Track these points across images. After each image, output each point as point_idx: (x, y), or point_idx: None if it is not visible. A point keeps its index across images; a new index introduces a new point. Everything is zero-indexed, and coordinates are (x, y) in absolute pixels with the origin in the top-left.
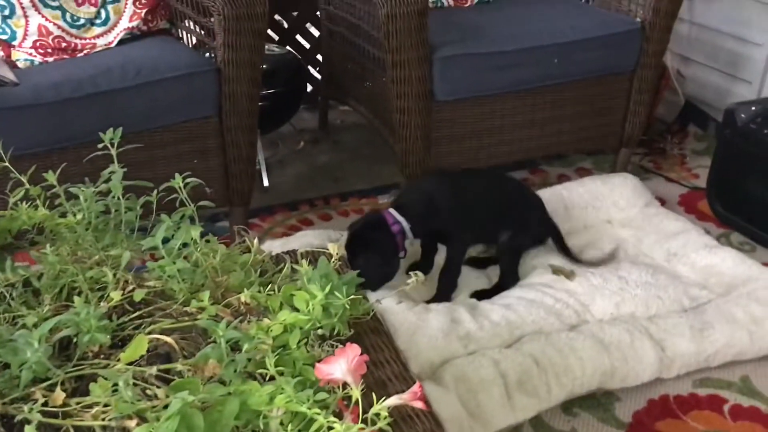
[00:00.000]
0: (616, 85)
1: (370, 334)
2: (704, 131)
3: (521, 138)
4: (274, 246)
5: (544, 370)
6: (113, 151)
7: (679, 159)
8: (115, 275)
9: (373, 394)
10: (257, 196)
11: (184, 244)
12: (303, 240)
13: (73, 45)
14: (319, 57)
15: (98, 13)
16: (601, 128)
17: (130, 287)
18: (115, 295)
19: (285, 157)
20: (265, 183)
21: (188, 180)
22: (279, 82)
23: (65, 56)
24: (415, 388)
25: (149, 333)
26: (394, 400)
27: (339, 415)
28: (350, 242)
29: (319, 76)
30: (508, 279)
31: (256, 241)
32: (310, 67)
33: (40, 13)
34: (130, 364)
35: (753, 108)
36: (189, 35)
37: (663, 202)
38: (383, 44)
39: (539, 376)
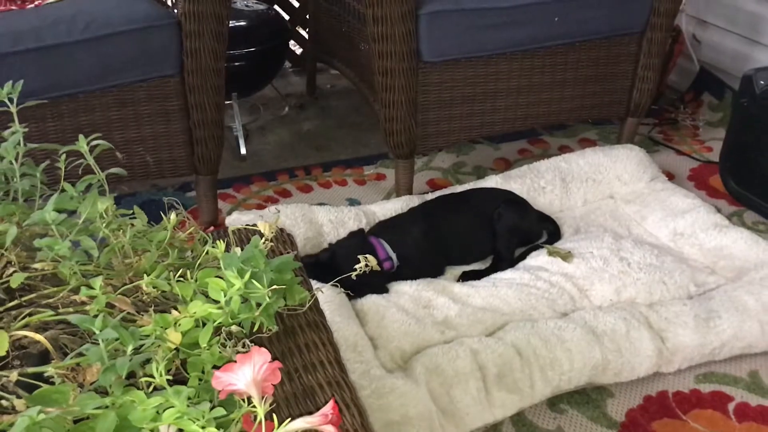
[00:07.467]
0: (623, 47)
1: (306, 329)
2: (720, 101)
3: (518, 105)
4: (242, 220)
5: (527, 362)
6: (13, 108)
7: (691, 130)
8: None
9: (289, 409)
10: (233, 165)
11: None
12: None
13: None
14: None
15: None
16: (605, 95)
17: (10, 271)
18: None
19: (267, 123)
20: (242, 150)
21: (96, 142)
22: (258, 40)
23: (13, 7)
24: (327, 408)
25: (24, 327)
26: (299, 424)
27: None
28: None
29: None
30: (502, 261)
31: (173, 215)
32: (299, 28)
33: None
34: None
35: None
36: None
37: (671, 177)
38: None
39: (522, 369)
